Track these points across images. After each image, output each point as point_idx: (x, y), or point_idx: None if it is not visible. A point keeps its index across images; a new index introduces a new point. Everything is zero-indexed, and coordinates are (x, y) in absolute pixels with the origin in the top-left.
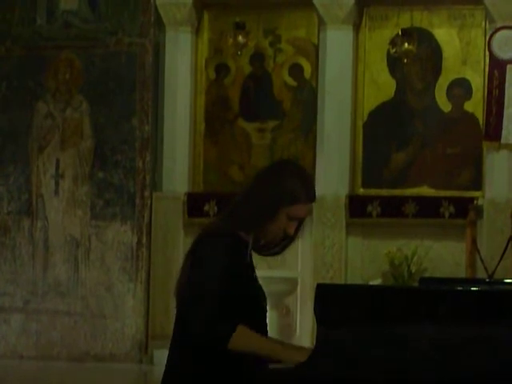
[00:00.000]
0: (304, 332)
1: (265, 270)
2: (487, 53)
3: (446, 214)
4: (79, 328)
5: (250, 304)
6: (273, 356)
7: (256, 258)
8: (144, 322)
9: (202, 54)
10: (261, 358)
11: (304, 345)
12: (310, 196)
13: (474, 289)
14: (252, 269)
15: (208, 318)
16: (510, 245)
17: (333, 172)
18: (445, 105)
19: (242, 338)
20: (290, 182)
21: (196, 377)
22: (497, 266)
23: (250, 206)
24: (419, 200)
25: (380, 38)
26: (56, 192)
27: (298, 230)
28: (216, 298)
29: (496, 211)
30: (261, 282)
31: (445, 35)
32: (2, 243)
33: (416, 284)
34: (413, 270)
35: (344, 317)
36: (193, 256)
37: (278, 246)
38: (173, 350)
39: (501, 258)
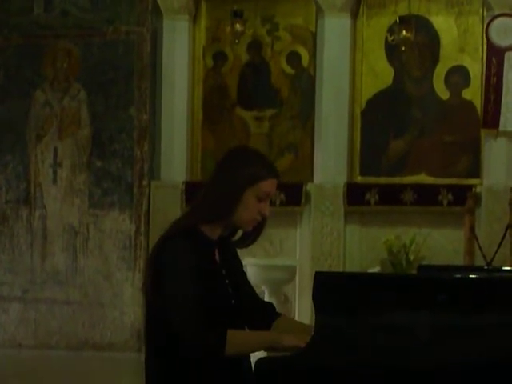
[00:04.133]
0: (303, 320)
1: (263, 258)
2: (485, 40)
3: (444, 202)
4: (78, 317)
5: (219, 302)
6: (273, 346)
7: (254, 247)
8: (142, 310)
9: (200, 42)
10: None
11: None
12: (271, 170)
13: (473, 276)
14: (225, 265)
15: (196, 330)
16: (508, 232)
17: (331, 160)
18: (443, 92)
19: (237, 341)
20: (248, 163)
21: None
22: (495, 254)
23: (214, 196)
24: (417, 188)
25: (378, 25)
26: (54, 181)
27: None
28: (194, 306)
29: (494, 199)
30: (259, 270)
31: (442, 23)
32: (1, 232)
33: (414, 272)
34: (411, 258)
35: (342, 305)
36: (156, 262)
37: (251, 236)
38: (150, 356)
39: (499, 246)
